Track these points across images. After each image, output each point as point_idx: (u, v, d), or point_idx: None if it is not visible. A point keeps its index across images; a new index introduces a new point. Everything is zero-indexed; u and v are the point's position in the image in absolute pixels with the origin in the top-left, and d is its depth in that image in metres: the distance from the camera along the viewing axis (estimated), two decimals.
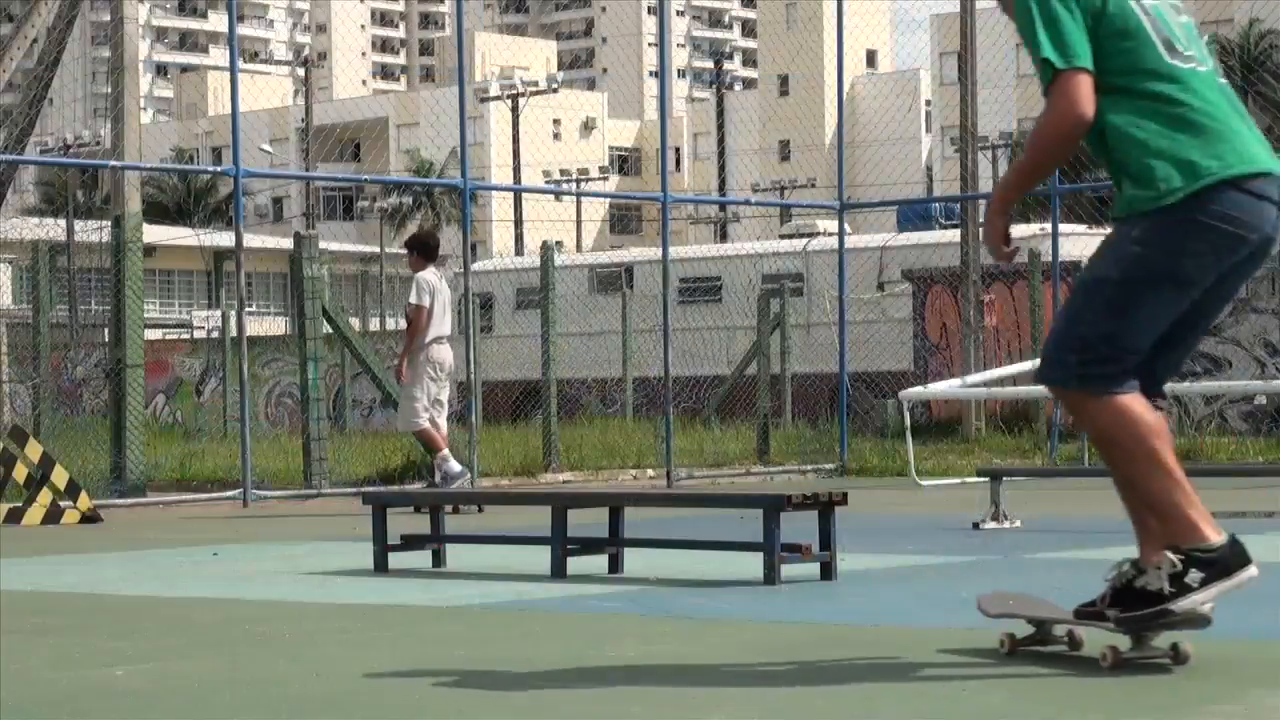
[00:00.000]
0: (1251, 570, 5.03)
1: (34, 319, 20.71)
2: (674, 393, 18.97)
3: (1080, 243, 27.28)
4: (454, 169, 64.95)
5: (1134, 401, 5.03)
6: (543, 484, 17.80)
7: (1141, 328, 5.02)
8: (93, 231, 20.61)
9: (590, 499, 9.67)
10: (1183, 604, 4.98)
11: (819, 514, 8.00)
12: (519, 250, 62.88)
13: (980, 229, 5.31)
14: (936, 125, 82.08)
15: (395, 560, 8.86)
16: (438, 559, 8.98)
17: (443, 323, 14.65)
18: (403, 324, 15.89)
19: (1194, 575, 4.98)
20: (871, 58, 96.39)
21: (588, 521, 8.85)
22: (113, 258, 15.69)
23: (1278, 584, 7.72)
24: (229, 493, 15.92)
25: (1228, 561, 4.99)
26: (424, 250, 14.78)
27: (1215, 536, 5.00)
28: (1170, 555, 5.02)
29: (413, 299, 14.55)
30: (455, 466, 14.49)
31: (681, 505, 11.50)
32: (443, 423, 14.81)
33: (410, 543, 9.01)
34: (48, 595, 8.24)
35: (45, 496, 13.45)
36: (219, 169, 18.78)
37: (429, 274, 14.64)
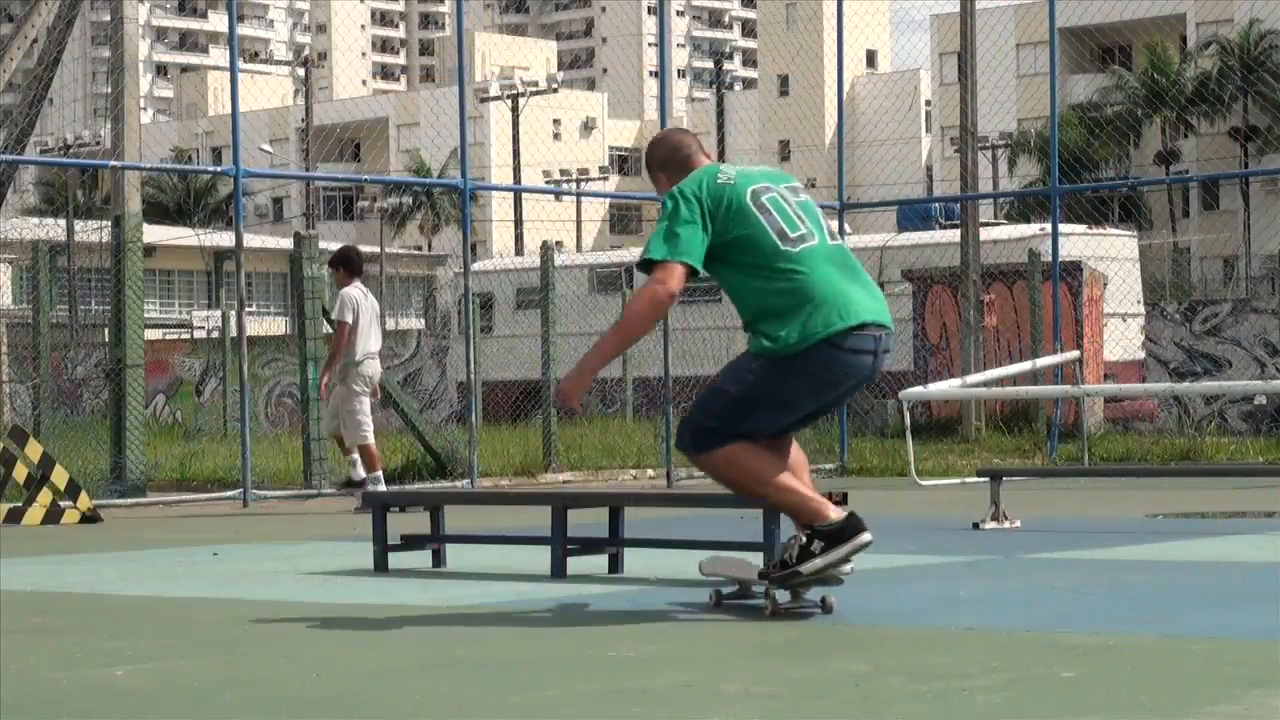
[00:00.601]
0: (865, 537, 6.51)
1: (34, 319, 20.71)
2: (674, 393, 18.97)
3: (1080, 243, 27.30)
4: (454, 169, 64.95)
5: (740, 449, 6.64)
6: (543, 484, 17.80)
7: (751, 427, 6.64)
8: (93, 231, 20.60)
9: (590, 499, 9.67)
10: (807, 567, 6.49)
11: None
12: (519, 250, 62.89)
13: (564, 387, 6.71)
14: (936, 125, 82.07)
15: (395, 560, 8.86)
16: (438, 559, 8.98)
17: (370, 338, 14.73)
18: (402, 324, 15.94)
19: (816, 545, 6.50)
20: (871, 58, 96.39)
21: (588, 521, 8.85)
22: (113, 258, 15.69)
23: (1277, 584, 7.73)
24: (229, 493, 15.93)
25: (843, 532, 6.49)
26: (349, 265, 14.85)
27: (834, 515, 6.53)
28: (800, 533, 6.56)
29: (335, 315, 14.67)
30: (360, 472, 14.59)
31: (681, 505, 11.49)
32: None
33: (410, 543, 9.01)
34: (48, 595, 8.24)
35: (45, 496, 13.45)
36: (219, 169, 18.78)
37: (354, 289, 14.69)
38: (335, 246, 15.87)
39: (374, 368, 14.74)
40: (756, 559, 7.93)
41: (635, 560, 8.68)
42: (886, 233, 31.02)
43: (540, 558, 8.53)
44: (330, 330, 16.90)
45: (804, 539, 6.51)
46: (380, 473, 14.65)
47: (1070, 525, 11.87)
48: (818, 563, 6.48)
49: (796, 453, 6.82)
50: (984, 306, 23.77)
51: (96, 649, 6.21)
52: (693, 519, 11.62)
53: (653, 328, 6.78)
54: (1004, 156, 67.69)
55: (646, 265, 6.57)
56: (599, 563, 8.51)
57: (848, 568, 6.57)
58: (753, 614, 6.84)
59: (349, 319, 14.55)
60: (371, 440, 14.62)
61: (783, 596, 6.64)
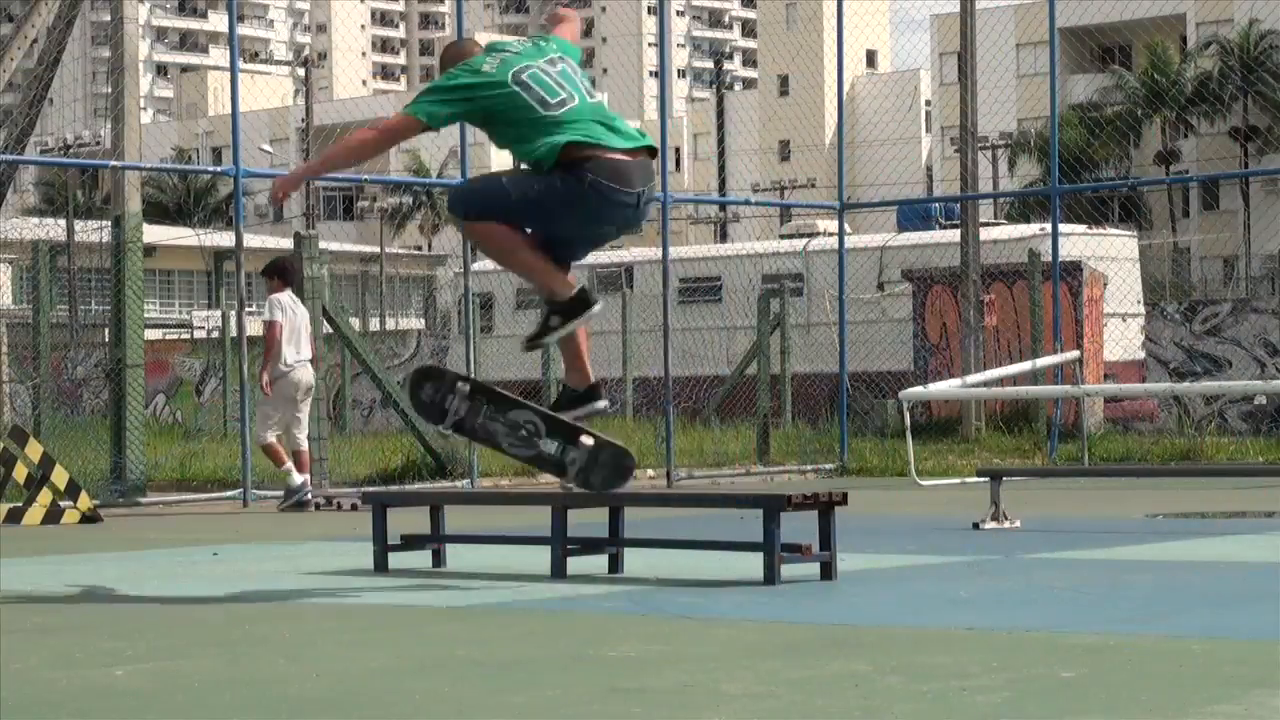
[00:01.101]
0: (596, 307, 7.86)
1: (34, 319, 20.69)
2: (674, 393, 18.96)
3: (1080, 243, 27.30)
4: (454, 169, 64.92)
5: (502, 227, 7.68)
6: (542, 484, 17.80)
7: (520, 220, 7.70)
8: (93, 231, 20.60)
9: (590, 499, 9.67)
10: (549, 337, 7.84)
11: (819, 514, 8.01)
12: None
13: (278, 181, 8.03)
14: (936, 125, 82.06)
15: (395, 560, 8.87)
16: (438, 559, 8.98)
17: (302, 346, 15.17)
18: (402, 324, 16.14)
19: (554, 319, 7.83)
20: (871, 58, 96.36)
21: (587, 521, 8.85)
22: (113, 258, 15.69)
23: (1277, 584, 7.73)
24: (229, 493, 15.93)
25: (574, 306, 7.79)
26: (282, 274, 15.26)
27: (562, 289, 7.83)
28: (543, 307, 7.84)
29: (264, 315, 15.09)
30: (296, 479, 15.05)
31: (681, 505, 11.50)
32: (303, 439, 15.29)
33: (410, 543, 9.01)
34: (48, 595, 8.24)
35: (45, 496, 13.45)
36: (219, 169, 18.79)
37: (284, 296, 15.16)
38: (335, 247, 16.02)
39: (305, 374, 15.23)
40: (747, 558, 7.97)
41: (635, 560, 8.68)
42: (886, 233, 31.01)
43: (540, 558, 8.53)
44: (330, 329, 16.97)
45: (545, 312, 7.80)
46: (290, 464, 15.14)
47: (1070, 525, 11.87)
48: (560, 331, 7.78)
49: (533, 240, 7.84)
50: (984, 306, 23.77)
51: (96, 649, 6.21)
52: (692, 519, 11.62)
53: (365, 155, 7.88)
54: (1004, 156, 67.67)
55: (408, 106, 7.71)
56: (599, 563, 8.51)
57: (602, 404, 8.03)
58: (751, 614, 6.84)
59: (279, 318, 15.00)
60: (272, 440, 15.11)
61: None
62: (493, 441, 8.13)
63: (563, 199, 7.58)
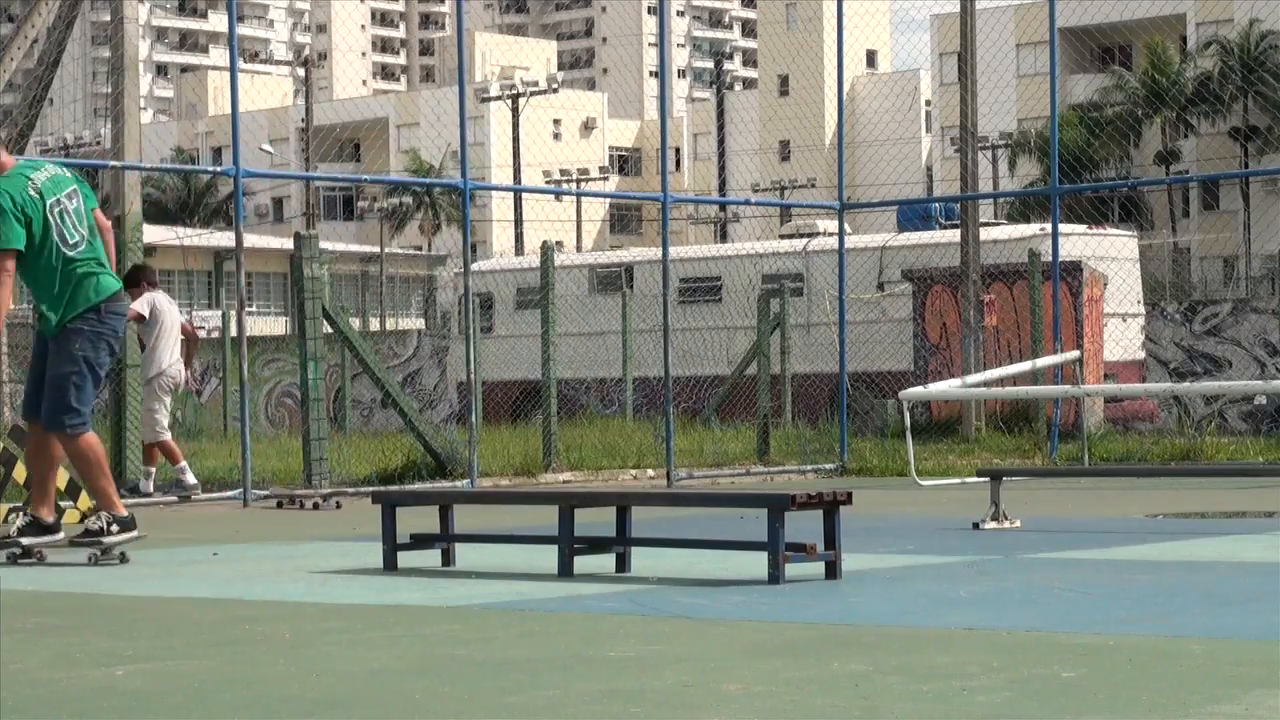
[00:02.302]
0: (136, 532, 9.49)
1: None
2: (674, 393, 18.96)
3: (1080, 243, 27.29)
4: (454, 169, 64.95)
5: (94, 436, 9.52)
6: (542, 484, 17.80)
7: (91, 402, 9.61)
8: None
9: (598, 498, 9.68)
10: (108, 540, 9.40)
11: (823, 513, 8.01)
12: (519, 250, 62.90)
13: None
14: (936, 125, 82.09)
15: (402, 559, 8.88)
16: (446, 558, 8.99)
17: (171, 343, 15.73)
18: (403, 324, 16.17)
19: (114, 529, 9.40)
20: (871, 58, 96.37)
21: (589, 521, 8.85)
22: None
23: (1277, 584, 7.73)
24: (229, 493, 15.92)
25: (130, 523, 9.47)
26: (141, 281, 15.57)
27: (123, 511, 9.48)
28: (104, 515, 9.40)
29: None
30: (191, 478, 15.61)
31: (687, 505, 11.50)
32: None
33: (419, 542, 9.02)
34: (48, 595, 8.24)
35: None
36: (219, 169, 18.78)
37: (158, 296, 15.75)
38: (335, 247, 16.12)
39: (176, 370, 15.80)
40: (752, 558, 7.97)
41: (638, 559, 8.68)
42: (886, 233, 31.01)
43: (543, 557, 8.54)
44: (330, 330, 16.97)
45: (105, 521, 9.36)
46: (184, 462, 15.65)
47: (1070, 525, 11.87)
48: (116, 540, 9.39)
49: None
50: (984, 306, 23.77)
51: (96, 649, 6.21)
52: (693, 519, 11.62)
53: None
54: (1004, 156, 67.70)
55: None
56: (606, 562, 8.52)
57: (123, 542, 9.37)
58: (752, 614, 6.84)
59: (146, 312, 15.48)
60: (168, 436, 15.67)
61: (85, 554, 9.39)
62: None
63: (106, 344, 9.55)
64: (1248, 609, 6.87)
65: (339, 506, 14.91)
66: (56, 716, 4.87)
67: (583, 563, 8.45)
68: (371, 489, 14.81)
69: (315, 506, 14.91)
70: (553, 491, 14.59)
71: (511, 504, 12.61)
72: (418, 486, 16.38)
